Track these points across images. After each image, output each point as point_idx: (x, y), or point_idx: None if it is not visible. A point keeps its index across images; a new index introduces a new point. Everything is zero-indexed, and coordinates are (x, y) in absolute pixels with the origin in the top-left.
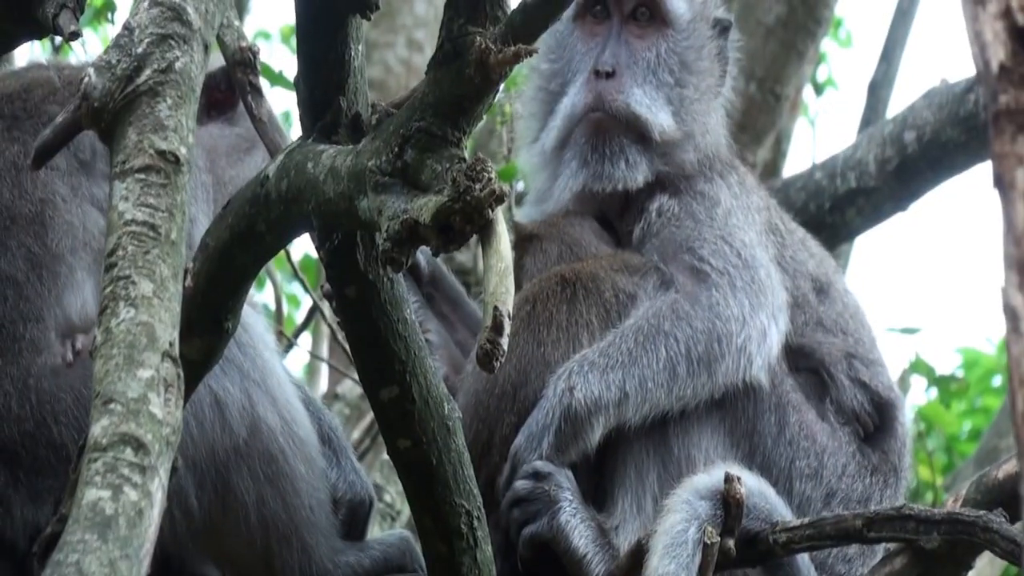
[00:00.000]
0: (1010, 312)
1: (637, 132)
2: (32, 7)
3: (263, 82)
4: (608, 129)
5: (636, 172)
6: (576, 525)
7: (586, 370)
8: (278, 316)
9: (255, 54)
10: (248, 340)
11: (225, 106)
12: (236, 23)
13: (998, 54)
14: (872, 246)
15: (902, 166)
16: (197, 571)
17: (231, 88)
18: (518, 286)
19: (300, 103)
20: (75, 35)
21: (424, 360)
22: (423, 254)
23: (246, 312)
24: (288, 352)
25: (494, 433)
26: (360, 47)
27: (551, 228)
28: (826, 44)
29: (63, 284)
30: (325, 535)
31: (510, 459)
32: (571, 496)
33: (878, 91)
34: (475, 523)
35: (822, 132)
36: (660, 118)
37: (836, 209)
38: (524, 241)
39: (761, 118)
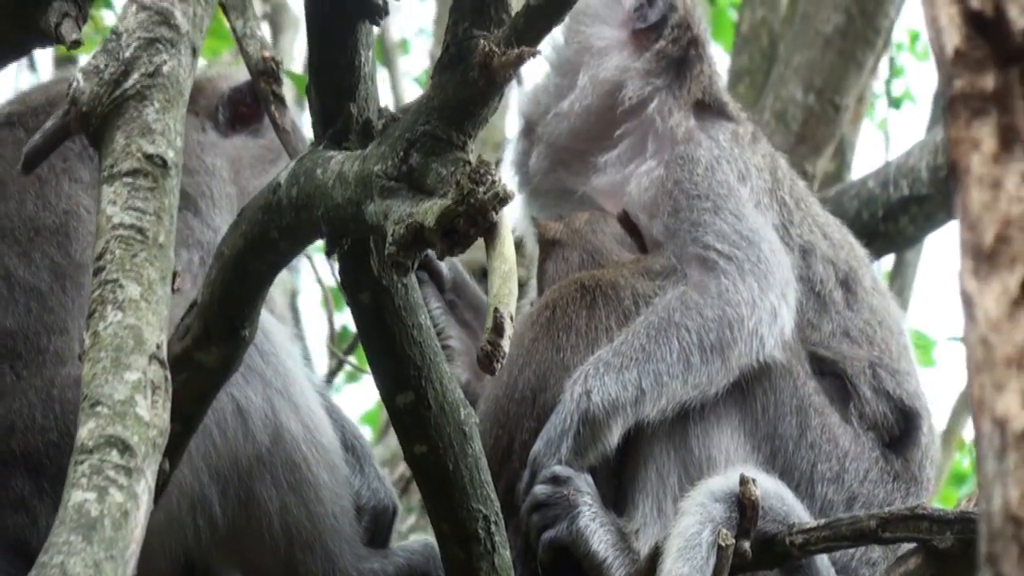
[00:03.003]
0: (965, 298)
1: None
2: (36, 16)
3: (288, 92)
4: None
5: (520, 169)
6: (596, 529)
7: (601, 372)
8: (331, 334)
9: (278, 64)
10: (270, 348)
11: (250, 119)
12: (259, 33)
13: (953, 39)
14: (938, 253)
15: None
16: None
17: (256, 102)
18: (540, 291)
19: (312, 110)
20: (77, 43)
21: (439, 366)
22: (445, 262)
23: (268, 320)
24: (339, 369)
25: (514, 438)
26: (370, 53)
27: (574, 234)
28: (904, 58)
29: (87, 295)
30: (349, 542)
31: (529, 464)
32: (591, 500)
33: (943, 101)
34: (492, 528)
35: (896, 144)
36: (520, 105)
37: (889, 217)
38: (547, 245)
39: (820, 128)
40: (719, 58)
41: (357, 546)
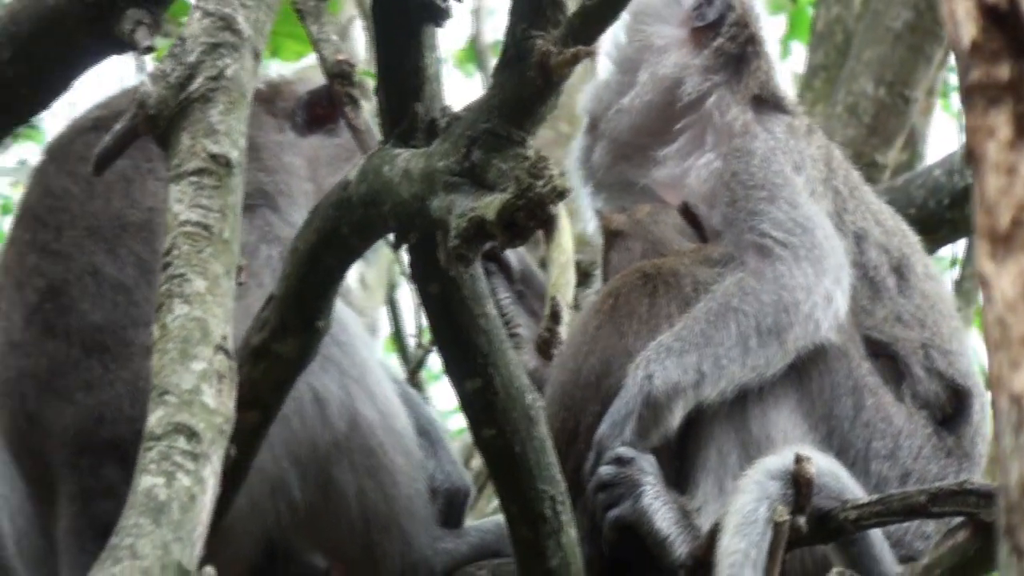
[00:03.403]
0: (983, 279)
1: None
2: (111, 24)
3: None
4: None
5: (583, 164)
6: (658, 508)
7: (663, 356)
8: (420, 329)
9: (352, 66)
10: (346, 339)
11: (327, 120)
12: (334, 37)
13: (970, 31)
14: None
15: None
16: (303, 560)
17: (332, 104)
18: (604, 280)
19: (380, 110)
20: (150, 49)
21: (506, 353)
22: (514, 254)
23: (343, 312)
24: (426, 359)
25: (580, 422)
26: (435, 55)
27: (636, 225)
28: None
29: None
30: (424, 523)
31: (595, 446)
32: (653, 480)
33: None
34: (558, 507)
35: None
36: (584, 102)
37: (955, 205)
38: (611, 237)
39: (891, 121)
40: (798, 54)
41: (432, 526)
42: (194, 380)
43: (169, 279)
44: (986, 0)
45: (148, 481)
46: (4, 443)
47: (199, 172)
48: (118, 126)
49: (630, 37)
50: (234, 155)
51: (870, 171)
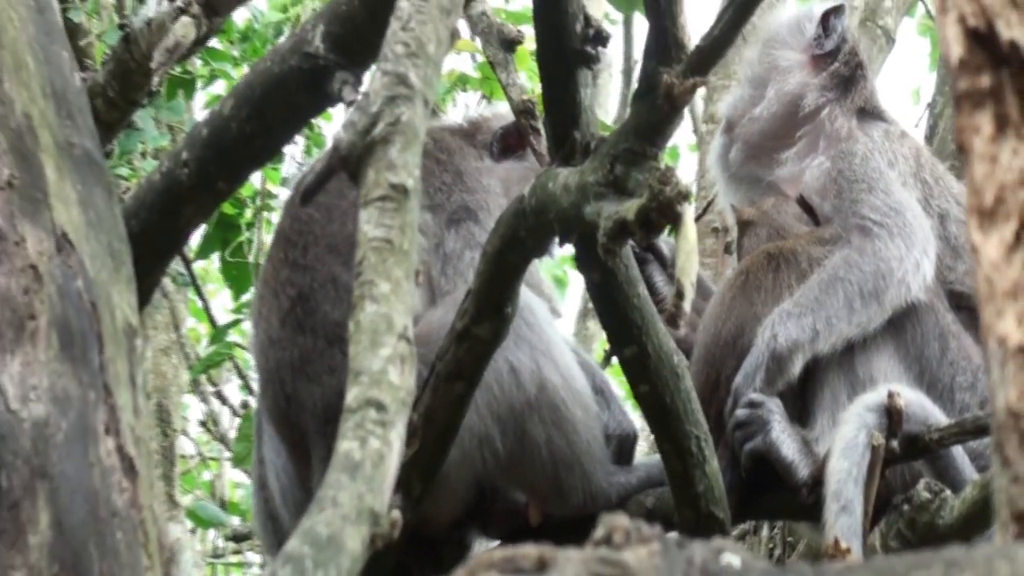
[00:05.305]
0: (973, 247)
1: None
2: (324, 84)
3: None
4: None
5: (722, 160)
6: (784, 439)
7: (785, 319)
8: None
9: (534, 104)
10: (534, 320)
11: (516, 148)
12: (519, 81)
13: (958, 50)
14: None
15: None
16: (506, 497)
17: (520, 135)
18: (738, 260)
19: (548, 137)
20: (352, 103)
21: (656, 325)
22: (666, 244)
23: (531, 298)
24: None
25: (720, 374)
26: (588, 91)
27: (763, 215)
28: None
29: None
30: (600, 462)
31: (732, 393)
32: (779, 418)
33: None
34: (702, 444)
35: None
36: (723, 108)
37: None
38: (743, 225)
39: None
40: None
41: (607, 465)
42: (382, 363)
43: (361, 285)
44: (969, 25)
45: (346, 445)
46: (269, 418)
47: (382, 199)
48: (319, 166)
49: (760, 59)
50: (410, 183)
51: None
